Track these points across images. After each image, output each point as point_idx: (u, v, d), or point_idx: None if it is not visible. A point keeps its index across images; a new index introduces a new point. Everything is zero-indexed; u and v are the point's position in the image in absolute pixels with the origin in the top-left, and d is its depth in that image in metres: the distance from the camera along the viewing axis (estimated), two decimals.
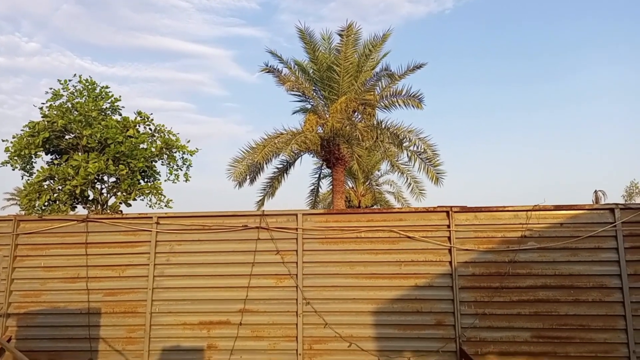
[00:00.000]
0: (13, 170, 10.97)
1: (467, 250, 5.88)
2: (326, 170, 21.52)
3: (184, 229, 6.29)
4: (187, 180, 12.25)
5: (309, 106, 19.15)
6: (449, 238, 5.92)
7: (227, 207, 6.28)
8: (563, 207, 5.90)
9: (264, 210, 6.31)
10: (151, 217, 6.35)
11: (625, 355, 5.47)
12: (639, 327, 5.51)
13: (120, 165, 10.17)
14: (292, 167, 20.14)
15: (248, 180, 18.86)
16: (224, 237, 6.23)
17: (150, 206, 11.44)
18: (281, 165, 19.94)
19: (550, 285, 5.70)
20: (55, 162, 10.77)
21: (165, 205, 11.64)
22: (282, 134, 17.82)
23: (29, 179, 10.51)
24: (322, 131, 17.95)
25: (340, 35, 16.69)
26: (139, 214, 6.48)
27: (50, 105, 11.05)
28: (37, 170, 10.30)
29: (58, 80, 11.62)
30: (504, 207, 5.96)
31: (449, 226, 5.95)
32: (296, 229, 6.16)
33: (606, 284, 5.63)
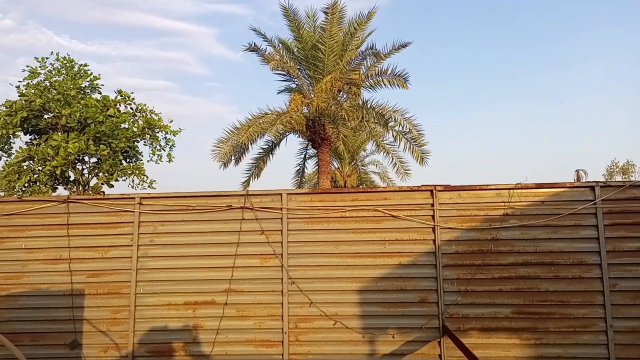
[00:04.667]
0: None
1: (450, 228, 5.94)
2: (312, 151, 21.49)
3: (167, 210, 6.24)
4: (170, 160, 12.12)
5: (294, 86, 19.02)
6: (433, 217, 5.96)
7: (211, 188, 6.23)
8: (544, 185, 5.97)
9: (248, 190, 6.28)
10: (134, 198, 6.29)
11: (603, 330, 5.61)
12: (617, 302, 5.64)
13: (101, 146, 9.99)
14: (277, 147, 20.10)
15: (233, 161, 18.78)
16: (208, 218, 6.19)
17: (132, 187, 11.33)
18: (266, 146, 19.88)
19: (531, 262, 5.79)
20: (34, 142, 10.54)
21: (149, 186, 11.54)
22: (267, 114, 17.71)
23: (7, 160, 10.32)
24: (307, 111, 17.87)
25: (325, 13, 16.52)
26: (121, 194, 6.40)
27: (28, 84, 10.75)
28: (16, 151, 10.08)
29: (35, 58, 11.33)
30: (487, 185, 6.01)
31: (432, 205, 5.99)
32: (281, 208, 6.14)
33: (586, 261, 5.74)
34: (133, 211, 6.23)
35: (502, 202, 5.93)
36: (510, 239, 5.85)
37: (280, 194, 6.20)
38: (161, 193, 6.39)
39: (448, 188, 6.03)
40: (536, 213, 5.87)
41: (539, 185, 5.95)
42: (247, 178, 20.23)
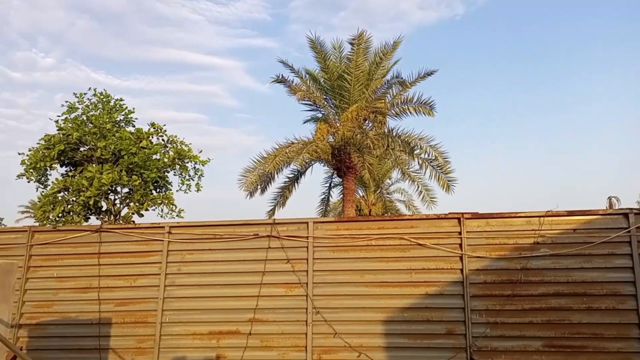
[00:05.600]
0: (28, 182, 11.16)
1: (478, 257, 5.83)
2: (337, 179, 21.48)
3: (196, 238, 6.33)
4: (198, 190, 12.34)
5: (319, 115, 19.18)
6: (461, 245, 5.87)
7: (238, 217, 6.31)
8: (576, 212, 5.83)
9: (274, 219, 6.33)
10: (163, 227, 6.41)
11: None
12: None
13: (134, 176, 10.28)
14: (302, 176, 20.14)
15: (259, 190, 18.89)
16: (235, 246, 6.25)
17: (162, 216, 11.55)
18: (292, 175, 19.94)
19: (563, 293, 5.61)
20: (70, 174, 10.91)
21: (177, 215, 11.74)
22: (293, 143, 17.85)
23: (43, 191, 10.69)
24: (333, 140, 17.96)
25: (351, 44, 16.74)
26: (152, 223, 6.54)
27: (66, 118, 11.23)
28: (52, 182, 10.45)
29: (74, 93, 11.87)
30: (516, 213, 5.90)
31: (460, 233, 5.90)
32: (307, 237, 6.16)
33: (620, 291, 5.53)
34: (162, 240, 6.33)
35: (532, 230, 5.81)
36: (541, 269, 5.70)
37: (307, 223, 6.22)
38: (190, 222, 6.50)
39: (476, 216, 5.95)
40: (568, 241, 5.72)
41: (571, 213, 5.81)
42: (272, 207, 20.29)
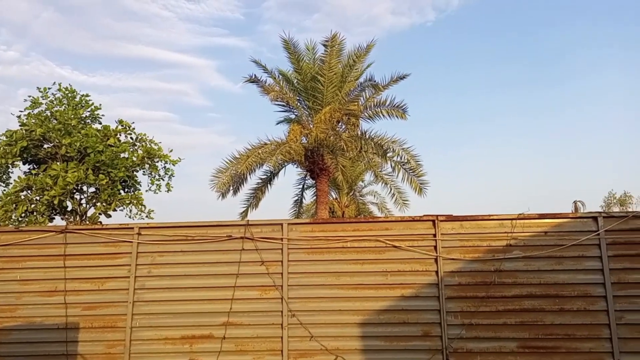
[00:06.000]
0: None
1: (453, 259, 5.86)
2: (310, 181, 21.44)
3: (166, 240, 6.16)
4: (169, 190, 12.07)
5: (293, 116, 19.10)
6: (435, 247, 5.89)
7: (209, 218, 6.16)
8: (547, 215, 5.93)
9: (248, 220, 6.22)
10: (132, 228, 6.21)
11: None
12: (623, 335, 5.52)
13: (100, 175, 9.96)
14: (275, 177, 20.03)
15: (231, 191, 18.68)
16: (207, 248, 6.11)
17: (130, 217, 11.24)
18: (265, 176, 19.80)
19: (536, 295, 5.69)
20: (33, 172, 10.51)
21: (147, 216, 11.45)
22: (266, 144, 17.72)
23: (4, 190, 10.26)
24: (306, 141, 17.91)
25: (324, 45, 16.73)
26: (120, 224, 6.34)
27: (29, 113, 10.81)
28: (14, 180, 10.04)
29: (37, 88, 11.40)
30: (490, 215, 5.96)
31: (435, 235, 5.92)
32: (281, 239, 6.07)
33: (590, 293, 5.65)
34: (131, 241, 6.14)
35: (505, 232, 5.88)
36: (514, 270, 5.77)
37: (281, 224, 6.13)
38: (160, 223, 6.32)
39: (450, 218, 5.99)
40: (539, 244, 5.81)
41: (542, 216, 5.91)
42: (245, 208, 20.11)
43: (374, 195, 26.83)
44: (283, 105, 18.73)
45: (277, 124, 19.57)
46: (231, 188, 18.55)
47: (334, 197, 25.86)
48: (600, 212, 5.84)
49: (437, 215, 5.98)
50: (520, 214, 5.92)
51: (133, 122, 11.43)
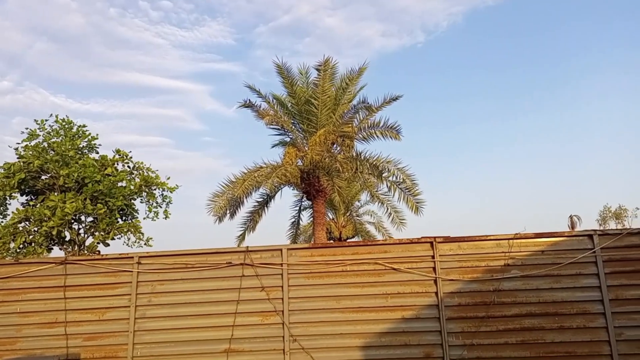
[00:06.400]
0: None
1: (452, 280, 5.90)
2: (306, 203, 21.51)
3: (166, 268, 6.18)
4: (166, 217, 12.10)
5: (288, 139, 19.25)
6: (434, 269, 5.94)
7: (207, 242, 6.22)
8: (543, 234, 6.00)
9: (247, 247, 6.25)
10: (132, 257, 6.24)
11: None
12: (624, 352, 5.56)
13: (99, 205, 10.00)
14: (272, 200, 20.08)
15: (228, 215, 18.71)
16: (207, 275, 6.14)
17: (129, 245, 11.24)
18: (261, 199, 19.86)
19: (535, 313, 5.74)
20: (31, 203, 10.53)
21: (145, 244, 11.44)
22: (262, 167, 17.80)
23: (2, 222, 10.26)
24: (301, 164, 18.01)
25: (317, 69, 16.98)
26: (120, 254, 6.36)
27: (26, 145, 10.89)
28: (12, 212, 10.04)
29: (34, 120, 11.53)
30: (487, 236, 6.03)
31: (433, 257, 5.98)
32: (281, 264, 6.11)
33: (589, 310, 5.70)
34: (131, 271, 6.16)
35: (503, 252, 5.94)
36: (513, 290, 5.82)
37: (281, 250, 6.18)
38: (160, 252, 6.35)
39: (448, 239, 6.05)
40: (537, 263, 5.87)
41: (538, 235, 5.98)
42: (242, 232, 20.10)
43: (371, 215, 26.85)
44: (278, 129, 18.89)
45: (273, 147, 19.71)
46: (228, 212, 18.60)
47: (331, 217, 25.90)
48: (595, 230, 5.92)
49: (434, 237, 6.05)
50: (516, 234, 5.99)
51: (130, 151, 11.53)
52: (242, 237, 20.14)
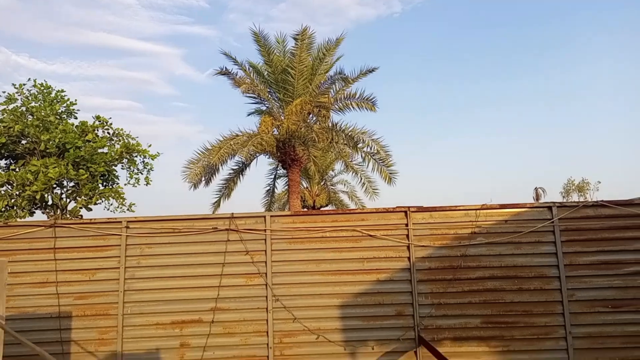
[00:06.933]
0: None
1: (423, 246, 6.39)
2: (281, 171, 21.82)
3: (154, 233, 6.47)
4: (147, 183, 12.25)
5: (264, 108, 19.35)
6: (407, 236, 6.41)
7: (181, 209, 6.51)
8: (507, 205, 6.52)
9: (232, 213, 6.57)
10: (120, 222, 6.49)
11: (563, 336, 6.14)
12: (574, 310, 6.19)
13: (81, 170, 10.09)
14: (247, 168, 20.29)
15: (203, 182, 18.88)
16: (194, 240, 6.45)
17: (110, 210, 11.38)
18: (237, 167, 20.04)
19: (497, 276, 6.30)
20: (12, 167, 10.53)
21: (128, 209, 11.60)
22: (237, 135, 17.94)
23: None
24: (277, 133, 18.23)
25: (295, 39, 17.03)
26: (108, 218, 6.59)
27: (4, 109, 10.81)
28: None
29: (12, 84, 11.50)
30: (456, 206, 6.52)
31: (407, 225, 6.44)
32: (264, 230, 6.47)
33: (546, 274, 6.29)
34: (120, 235, 6.42)
35: (470, 221, 6.45)
36: (478, 255, 6.35)
37: (264, 216, 6.53)
38: (148, 216, 6.61)
39: (421, 209, 6.51)
40: (501, 231, 6.40)
41: (503, 206, 6.50)
42: (217, 198, 20.33)
43: (344, 184, 27.39)
44: (254, 97, 18.94)
45: (248, 115, 19.79)
46: (203, 179, 18.76)
47: (305, 186, 26.30)
48: (554, 202, 6.47)
49: (409, 207, 6.50)
50: (483, 205, 6.49)
51: (110, 117, 11.57)
52: (217, 204, 20.38)
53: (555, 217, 6.37)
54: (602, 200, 6.47)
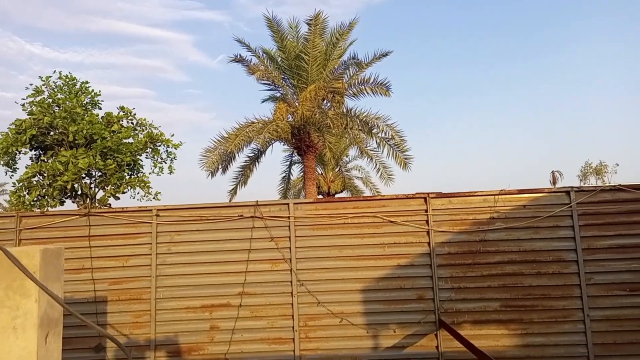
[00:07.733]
0: None
1: (443, 231, 6.57)
2: (296, 158, 22.02)
3: (183, 220, 6.73)
4: (171, 172, 12.57)
5: (278, 94, 19.51)
6: (427, 221, 6.59)
7: (195, 195, 6.77)
8: (525, 190, 6.66)
9: (257, 201, 6.80)
10: (151, 210, 6.75)
11: (581, 319, 6.31)
12: (592, 294, 6.35)
13: (108, 160, 10.41)
14: (263, 155, 20.54)
15: (220, 170, 19.17)
16: (221, 227, 6.70)
17: (135, 199, 11.71)
18: (253, 154, 20.30)
19: (516, 261, 6.47)
20: (42, 158, 10.88)
21: (154, 198, 11.94)
22: (253, 122, 18.15)
23: (12, 175, 10.63)
24: (292, 119, 18.39)
25: (308, 24, 17.09)
26: (139, 207, 6.86)
27: (32, 101, 11.13)
28: (27, 167, 10.40)
29: (39, 77, 11.88)
30: (474, 192, 6.67)
31: (426, 210, 6.62)
32: (288, 217, 6.69)
33: (564, 258, 6.44)
34: (150, 222, 6.69)
35: (489, 207, 6.60)
36: (497, 240, 6.52)
37: (288, 204, 6.75)
38: (176, 205, 6.87)
39: (440, 195, 6.68)
40: (519, 216, 6.55)
41: (521, 191, 6.64)
42: (234, 186, 20.64)
43: (359, 170, 27.53)
44: (268, 84, 19.10)
45: (263, 102, 20.00)
46: (220, 167, 19.05)
47: (320, 172, 26.49)
48: (572, 187, 6.59)
49: (428, 193, 6.67)
50: (501, 190, 6.64)
51: (134, 108, 11.88)
52: (233, 192, 20.70)
53: (573, 201, 6.50)
54: (620, 185, 6.57)
